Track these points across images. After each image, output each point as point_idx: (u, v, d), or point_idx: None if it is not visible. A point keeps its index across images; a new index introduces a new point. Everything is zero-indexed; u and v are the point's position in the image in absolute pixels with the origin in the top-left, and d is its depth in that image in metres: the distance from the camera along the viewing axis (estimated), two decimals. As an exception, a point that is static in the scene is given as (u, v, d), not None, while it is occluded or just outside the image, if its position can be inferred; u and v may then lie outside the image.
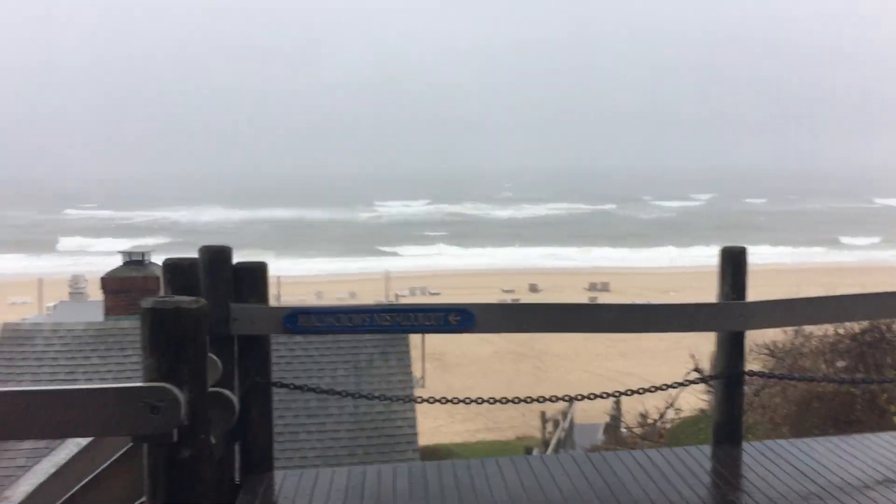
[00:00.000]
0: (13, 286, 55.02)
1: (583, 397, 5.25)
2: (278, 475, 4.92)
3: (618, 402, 21.72)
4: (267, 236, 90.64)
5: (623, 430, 19.82)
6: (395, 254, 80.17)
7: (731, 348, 5.17)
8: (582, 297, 50.42)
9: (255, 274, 4.90)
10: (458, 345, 37.46)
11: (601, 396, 5.25)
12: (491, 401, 4.99)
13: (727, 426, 5.26)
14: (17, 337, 12.67)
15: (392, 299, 48.52)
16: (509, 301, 45.10)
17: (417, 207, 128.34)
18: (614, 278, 60.48)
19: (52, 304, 32.77)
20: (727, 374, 5.17)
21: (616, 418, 21.85)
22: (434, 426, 25.75)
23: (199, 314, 2.99)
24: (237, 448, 4.77)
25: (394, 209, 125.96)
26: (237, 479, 4.75)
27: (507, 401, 4.98)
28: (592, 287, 57.19)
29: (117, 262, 15.84)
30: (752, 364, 9.28)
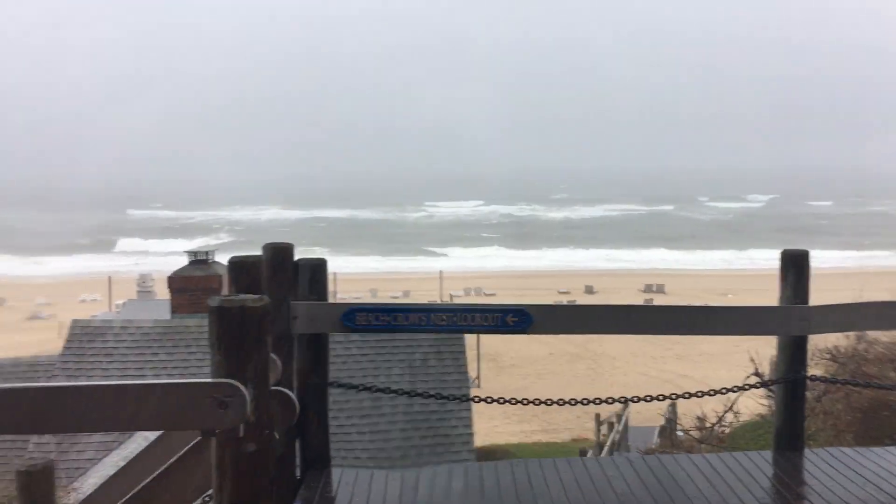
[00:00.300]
0: (84, 284, 56.75)
1: (639, 399, 5.22)
2: (335, 472, 4.99)
3: (673, 405, 21.38)
4: (321, 235, 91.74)
5: (679, 433, 19.53)
6: (448, 254, 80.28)
7: (793, 353, 5.08)
8: (638, 299, 49.85)
9: (316, 270, 4.96)
10: (514, 345, 37.38)
11: (657, 399, 5.21)
12: (548, 402, 5.00)
13: (789, 432, 5.16)
14: (88, 333, 13.11)
15: (446, 299, 48.63)
16: (565, 302, 44.84)
17: (471, 208, 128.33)
18: (670, 280, 59.63)
19: (120, 301, 33.77)
20: (789, 379, 5.09)
21: (672, 421, 21.53)
22: (489, 427, 25.75)
23: (263, 312, 3.07)
24: (297, 445, 4.87)
25: (447, 210, 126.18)
26: (298, 474, 4.84)
27: (563, 402, 4.98)
28: (648, 289, 56.50)
29: (183, 261, 16.25)
30: (814, 369, 9.08)
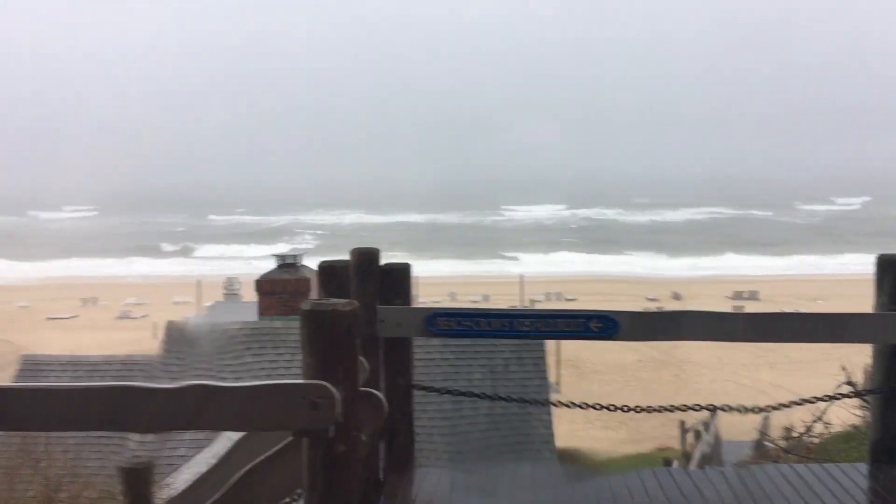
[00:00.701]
0: (173, 286, 58.85)
1: (730, 408, 5.12)
2: (419, 473, 5.06)
3: (767, 415, 20.80)
4: (402, 239, 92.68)
5: (767, 442, 18.96)
6: (528, 258, 79.85)
7: (890, 361, 4.89)
8: (727, 306, 48.55)
9: (400, 275, 5.06)
10: (595, 351, 36.95)
11: (752, 411, 5.09)
12: (637, 409, 4.95)
13: (885, 444, 4.97)
14: (180, 335, 13.62)
15: (527, 304, 48.44)
16: (652, 308, 44.07)
17: (550, 212, 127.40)
18: (761, 286, 57.89)
19: (209, 303, 34.93)
20: (885, 389, 4.90)
21: (763, 433, 20.89)
22: (569, 430, 25.53)
23: (352, 316, 3.16)
24: (381, 446, 4.96)
25: (525, 214, 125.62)
26: (381, 475, 4.93)
27: (652, 409, 4.92)
28: (737, 295, 54.96)
29: (268, 265, 16.69)
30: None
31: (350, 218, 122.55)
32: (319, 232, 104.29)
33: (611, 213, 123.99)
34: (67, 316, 50.85)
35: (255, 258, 68.14)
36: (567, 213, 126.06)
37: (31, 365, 15.68)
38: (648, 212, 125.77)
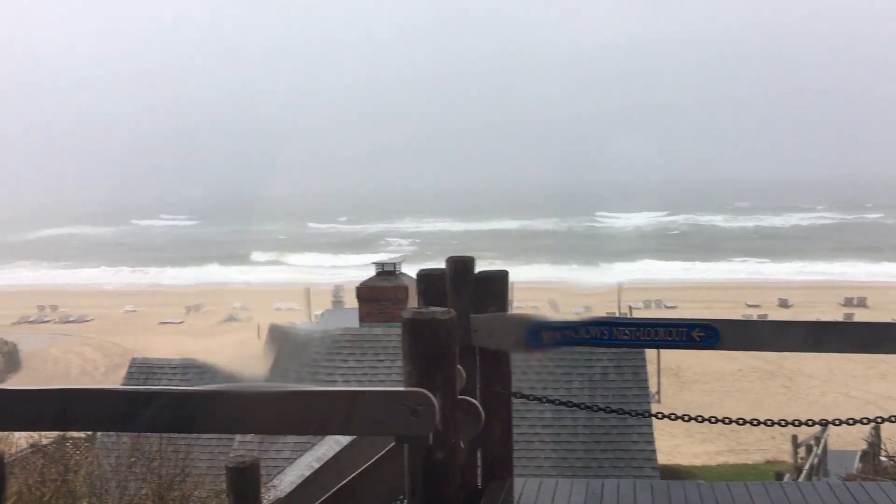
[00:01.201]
0: (276, 294, 60.63)
1: (841, 422, 4.89)
2: (518, 482, 5.03)
3: (877, 429, 19.76)
4: (496, 246, 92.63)
5: (883, 458, 18.01)
6: (626, 265, 78.35)
7: None
8: (837, 314, 46.49)
9: (496, 283, 5.04)
10: (697, 360, 35.98)
11: (861, 422, 4.85)
12: (740, 421, 4.79)
13: None
14: (284, 340, 14.02)
15: (625, 311, 47.61)
16: (755, 317, 42.60)
17: (647, 218, 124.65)
18: (872, 293, 55.11)
19: (319, 311, 35.88)
20: None
21: (875, 445, 19.86)
22: (672, 445, 24.91)
23: (451, 325, 3.19)
24: (479, 454, 4.96)
25: (621, 220, 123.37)
26: (479, 484, 4.93)
27: (758, 423, 4.76)
28: (848, 302, 52.51)
29: (367, 272, 17.00)
30: None
31: (445, 225, 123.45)
32: (417, 240, 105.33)
33: (713, 219, 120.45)
34: (177, 321, 53.15)
35: (353, 266, 69.50)
36: (666, 219, 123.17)
37: (141, 367, 16.45)
38: (751, 216, 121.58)
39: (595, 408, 5.61)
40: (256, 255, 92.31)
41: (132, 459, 7.94)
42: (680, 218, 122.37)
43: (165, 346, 41.96)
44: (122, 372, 22.59)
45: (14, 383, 38.13)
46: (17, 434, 9.46)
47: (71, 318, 55.01)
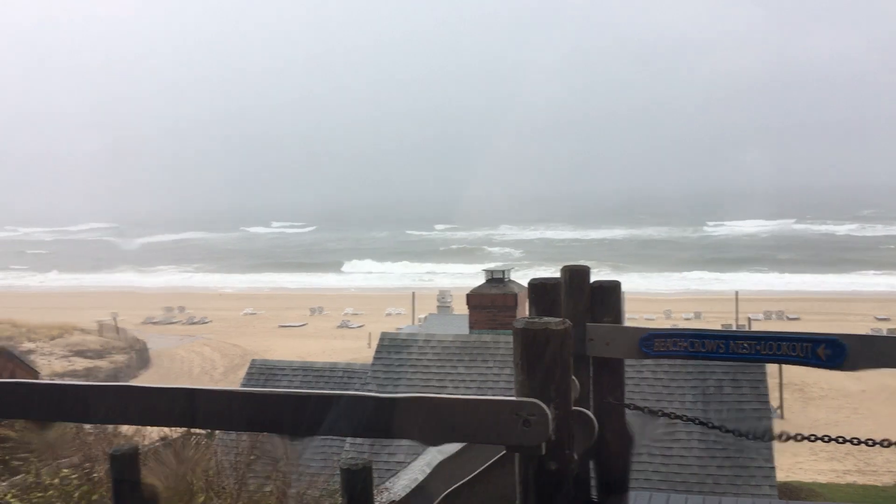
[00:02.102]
0: (388, 298, 61.73)
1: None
2: (632, 496, 4.95)
3: None
4: (606, 254, 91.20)
5: None
6: (742, 274, 75.41)
7: None
8: (977, 329, 43.35)
9: (611, 293, 4.99)
10: (823, 374, 34.25)
11: None
12: (869, 442, 4.55)
13: None
14: (395, 345, 14.26)
15: (743, 323, 45.90)
16: (885, 331, 40.25)
17: (759, 225, 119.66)
18: None
19: (422, 315, 36.39)
20: None
21: None
22: (793, 462, 23.83)
23: (565, 335, 3.17)
24: (592, 466, 4.90)
25: (733, 228, 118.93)
26: (594, 497, 4.87)
27: (888, 444, 4.50)
28: None
29: (475, 280, 17.09)
30: None
31: (550, 233, 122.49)
32: (522, 250, 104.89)
33: (835, 228, 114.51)
34: (298, 324, 54.87)
35: (463, 274, 69.94)
36: (783, 226, 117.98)
37: (260, 369, 17.08)
38: (877, 224, 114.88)
39: (710, 425, 5.44)
40: (366, 261, 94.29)
41: (251, 457, 8.24)
42: (799, 226, 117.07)
43: (282, 349, 43.44)
44: (241, 373, 23.51)
45: (144, 380, 40.35)
46: (149, 427, 9.98)
47: (194, 320, 57.73)
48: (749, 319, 46.45)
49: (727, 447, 11.81)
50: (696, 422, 5.52)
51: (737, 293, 50.61)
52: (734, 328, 39.10)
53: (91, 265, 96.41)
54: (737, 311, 47.62)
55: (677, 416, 5.44)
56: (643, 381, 12.81)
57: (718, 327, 31.07)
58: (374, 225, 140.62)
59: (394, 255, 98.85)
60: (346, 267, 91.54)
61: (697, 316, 50.97)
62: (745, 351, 4.66)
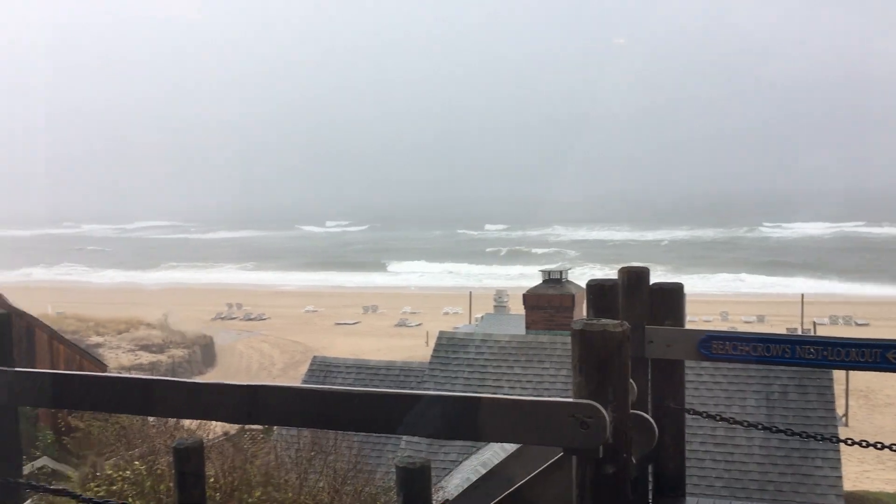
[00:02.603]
0: (444, 298, 61.91)
1: None
2: (689, 502, 4.87)
3: None
4: (662, 254, 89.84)
5: None
6: (804, 276, 73.30)
7: None
8: None
9: (672, 295, 4.92)
10: (888, 381, 33.22)
11: None
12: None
13: None
14: (452, 344, 14.28)
15: (808, 327, 44.71)
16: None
17: (823, 228, 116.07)
18: None
19: (479, 315, 36.44)
20: None
21: None
22: (859, 470, 23.14)
23: (623, 337, 3.13)
24: (650, 471, 4.84)
25: (792, 229, 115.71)
26: (650, 500, 4.81)
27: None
28: None
29: (530, 279, 17.02)
30: None
31: (605, 233, 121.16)
32: (576, 250, 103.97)
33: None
34: (352, 322, 55.43)
35: (523, 275, 69.74)
36: (845, 229, 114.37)
37: (321, 366, 17.31)
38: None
39: (773, 429, 5.32)
40: (419, 261, 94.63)
41: (312, 453, 8.36)
42: (867, 229, 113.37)
43: (340, 346, 43.95)
44: (302, 369, 23.85)
45: (210, 376, 41.31)
46: (213, 423, 10.21)
47: (252, 316, 58.78)
48: (814, 324, 45.24)
49: (790, 454, 11.52)
50: (759, 427, 5.41)
51: (802, 296, 49.34)
52: (799, 332, 38.12)
53: (150, 262, 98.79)
54: (802, 315, 46.43)
55: (737, 422, 5.34)
56: (702, 384, 12.59)
57: (783, 331, 30.31)
58: (427, 224, 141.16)
59: (447, 255, 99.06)
60: (400, 266, 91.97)
61: (760, 319, 49.87)
62: (812, 356, 4.57)
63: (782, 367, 12.34)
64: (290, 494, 7.30)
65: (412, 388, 14.40)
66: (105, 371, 21.01)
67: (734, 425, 5.97)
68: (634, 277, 4.80)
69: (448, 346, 14.25)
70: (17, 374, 3.72)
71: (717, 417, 5.23)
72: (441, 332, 15.03)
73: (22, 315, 18.91)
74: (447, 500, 6.25)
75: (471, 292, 51.62)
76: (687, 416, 5.12)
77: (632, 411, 3.39)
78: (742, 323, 47.93)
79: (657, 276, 5.19)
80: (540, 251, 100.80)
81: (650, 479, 4.82)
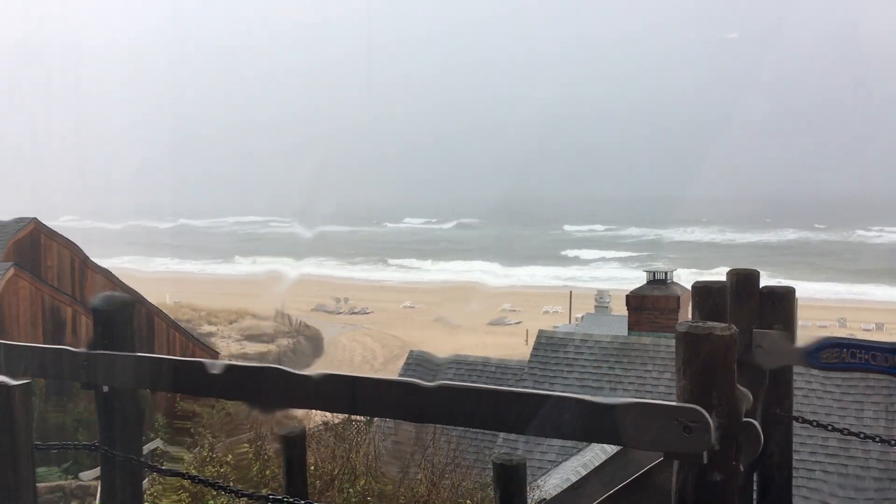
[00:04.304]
0: (545, 296, 61.55)
1: None
2: (800, 514, 4.70)
3: None
4: (769, 257, 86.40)
5: None
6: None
7: None
8: None
9: (782, 299, 4.76)
10: None
11: None
12: None
13: None
14: (552, 343, 14.20)
15: (933, 336, 42.19)
16: None
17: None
18: None
19: (579, 315, 36.11)
20: None
21: None
22: None
23: (730, 341, 3.05)
24: (755, 479, 4.70)
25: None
26: (756, 510, 4.67)
27: None
28: None
29: (635, 280, 16.70)
30: None
31: (709, 235, 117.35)
32: (688, 250, 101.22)
33: None
34: (450, 318, 55.83)
35: (623, 278, 68.56)
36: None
37: (418, 360, 17.52)
38: None
39: (893, 442, 5.06)
40: (515, 257, 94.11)
41: (414, 447, 8.49)
42: None
43: (437, 341, 44.35)
44: (399, 363, 24.21)
45: (316, 367, 42.51)
46: (313, 412, 10.52)
47: (355, 310, 60.03)
48: (940, 333, 42.66)
49: (910, 470, 10.94)
50: (877, 439, 5.16)
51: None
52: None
53: (248, 253, 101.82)
54: (925, 324, 43.86)
55: (852, 433, 5.10)
56: (812, 392, 12.08)
57: (903, 340, 28.64)
58: (524, 222, 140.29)
59: (544, 254, 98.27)
60: (501, 264, 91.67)
61: (879, 327, 47.39)
62: (937, 369, 4.32)
63: (903, 378, 11.71)
64: (390, 487, 7.43)
65: (510, 387, 14.38)
66: (217, 359, 21.91)
67: (848, 436, 5.71)
68: (743, 280, 4.67)
69: (548, 345, 14.17)
70: (139, 358, 3.94)
71: (830, 427, 5.02)
72: (540, 331, 14.96)
73: (143, 303, 19.95)
74: (543, 499, 6.23)
75: (571, 291, 51.11)
76: (796, 425, 4.94)
77: (744, 419, 3.30)
78: (861, 330, 45.69)
79: (767, 280, 5.04)
80: (644, 253, 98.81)
81: (755, 488, 4.68)
